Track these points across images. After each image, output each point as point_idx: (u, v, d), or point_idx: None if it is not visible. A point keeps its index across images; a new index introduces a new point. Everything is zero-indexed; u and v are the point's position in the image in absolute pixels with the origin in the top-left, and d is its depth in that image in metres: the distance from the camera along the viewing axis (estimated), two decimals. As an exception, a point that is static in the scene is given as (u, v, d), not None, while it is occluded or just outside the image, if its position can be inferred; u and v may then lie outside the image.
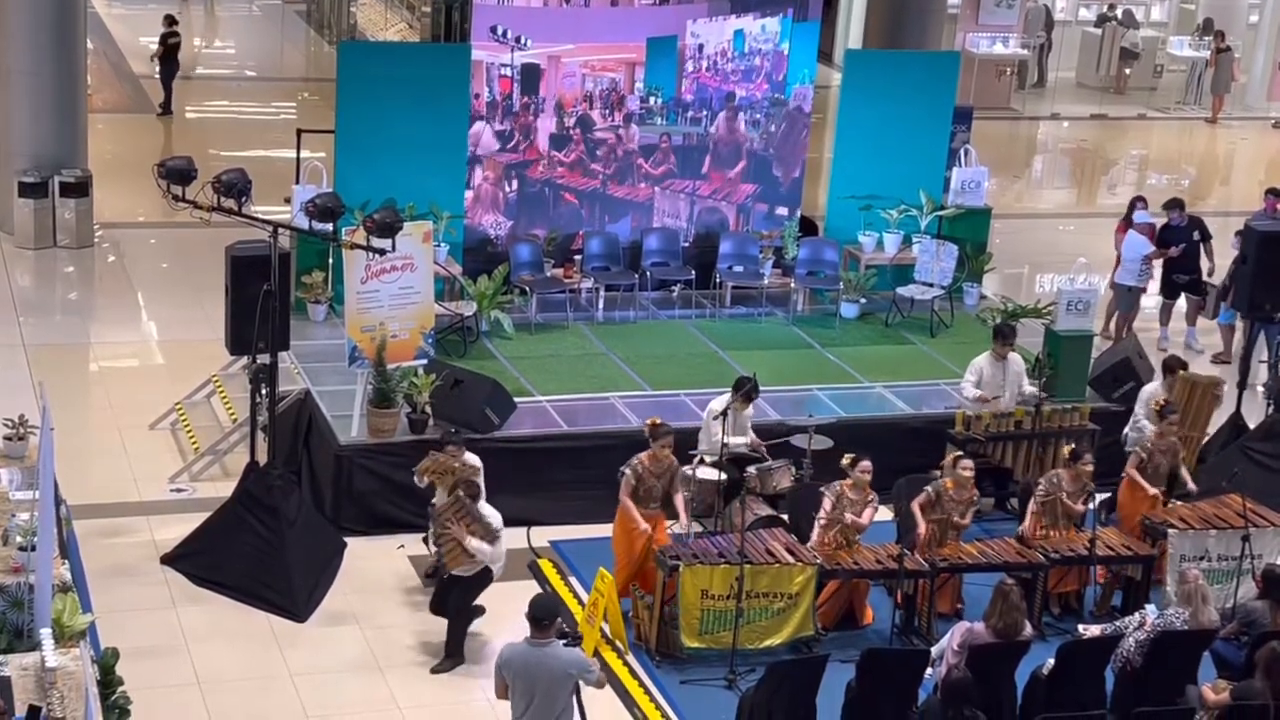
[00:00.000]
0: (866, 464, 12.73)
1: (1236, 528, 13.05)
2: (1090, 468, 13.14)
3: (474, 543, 11.83)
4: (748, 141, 17.90)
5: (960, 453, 13.22)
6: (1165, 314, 19.32)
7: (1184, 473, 13.93)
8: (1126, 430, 14.73)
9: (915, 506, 12.84)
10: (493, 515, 12.02)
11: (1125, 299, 18.68)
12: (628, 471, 12.65)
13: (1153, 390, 14.63)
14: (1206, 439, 15.58)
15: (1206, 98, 32.15)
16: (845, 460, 12.88)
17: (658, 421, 12.88)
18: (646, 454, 12.69)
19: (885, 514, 13.56)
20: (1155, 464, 13.73)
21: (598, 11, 17.31)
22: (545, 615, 9.78)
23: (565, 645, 9.81)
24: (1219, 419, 15.70)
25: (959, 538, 12.95)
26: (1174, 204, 19.04)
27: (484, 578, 12.07)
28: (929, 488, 12.93)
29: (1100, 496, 13.52)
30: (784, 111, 17.94)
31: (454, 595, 12.10)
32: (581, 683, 9.87)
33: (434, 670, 12.02)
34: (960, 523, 12.87)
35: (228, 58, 28.80)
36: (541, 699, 9.73)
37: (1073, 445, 13.48)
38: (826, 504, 12.74)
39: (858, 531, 12.73)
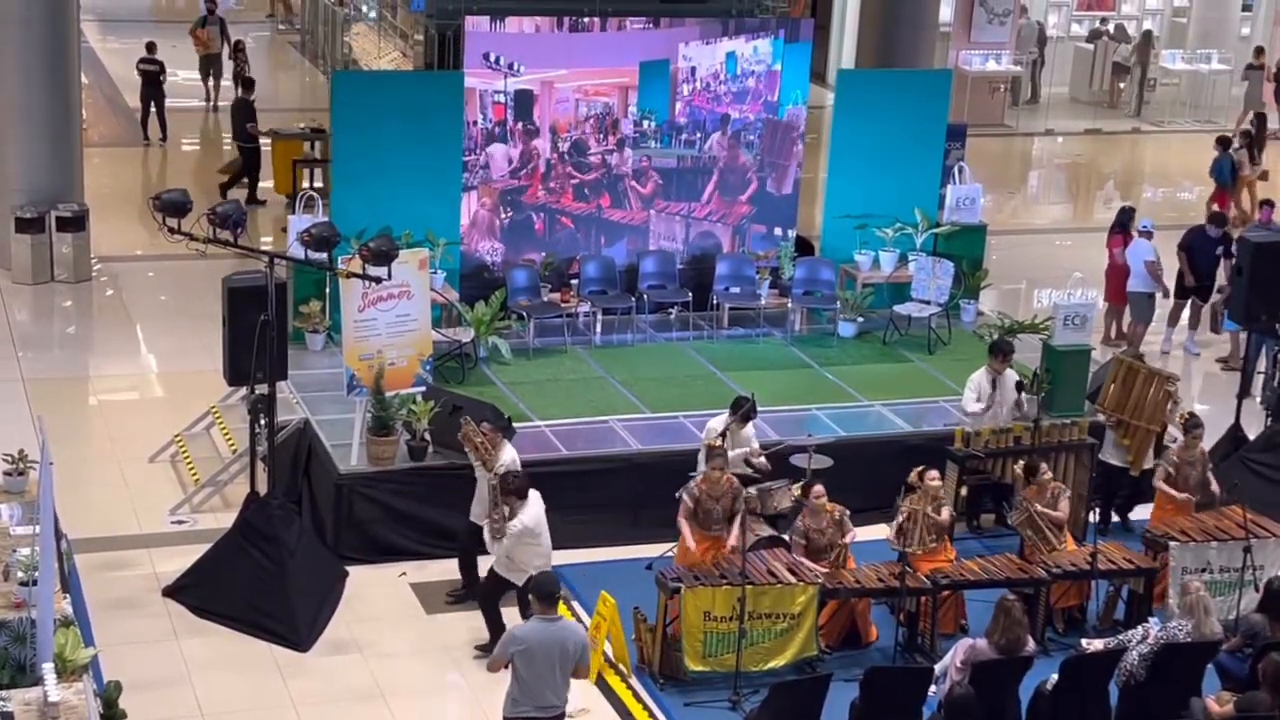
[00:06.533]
0: (818, 489, 12.86)
1: (1238, 539, 13.06)
2: (1048, 476, 13.33)
3: (485, 529, 12.02)
4: (743, 163, 17.92)
5: (922, 467, 13.22)
6: (1174, 315, 19.36)
7: (1210, 477, 14.00)
8: None
9: (896, 540, 12.91)
10: (520, 519, 11.87)
11: (1144, 307, 18.72)
12: (684, 495, 12.75)
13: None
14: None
15: (1202, 111, 32.19)
16: (798, 490, 13.13)
17: (713, 444, 12.99)
18: (700, 477, 12.78)
19: (885, 531, 13.57)
20: (1184, 475, 13.89)
21: (590, 36, 17.34)
22: (556, 588, 10.24)
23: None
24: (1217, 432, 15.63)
25: (944, 536, 13.00)
26: (1217, 218, 19.49)
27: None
28: (897, 520, 12.99)
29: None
30: (777, 131, 17.96)
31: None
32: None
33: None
34: (939, 519, 12.92)
35: (224, 90, 28.82)
36: (561, 672, 10.12)
37: (1024, 461, 13.64)
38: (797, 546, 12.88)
39: (835, 544, 12.85)
